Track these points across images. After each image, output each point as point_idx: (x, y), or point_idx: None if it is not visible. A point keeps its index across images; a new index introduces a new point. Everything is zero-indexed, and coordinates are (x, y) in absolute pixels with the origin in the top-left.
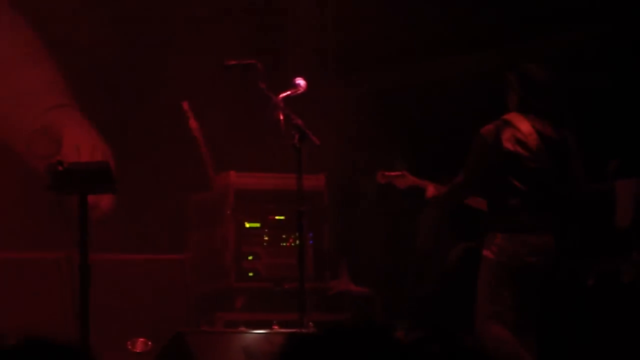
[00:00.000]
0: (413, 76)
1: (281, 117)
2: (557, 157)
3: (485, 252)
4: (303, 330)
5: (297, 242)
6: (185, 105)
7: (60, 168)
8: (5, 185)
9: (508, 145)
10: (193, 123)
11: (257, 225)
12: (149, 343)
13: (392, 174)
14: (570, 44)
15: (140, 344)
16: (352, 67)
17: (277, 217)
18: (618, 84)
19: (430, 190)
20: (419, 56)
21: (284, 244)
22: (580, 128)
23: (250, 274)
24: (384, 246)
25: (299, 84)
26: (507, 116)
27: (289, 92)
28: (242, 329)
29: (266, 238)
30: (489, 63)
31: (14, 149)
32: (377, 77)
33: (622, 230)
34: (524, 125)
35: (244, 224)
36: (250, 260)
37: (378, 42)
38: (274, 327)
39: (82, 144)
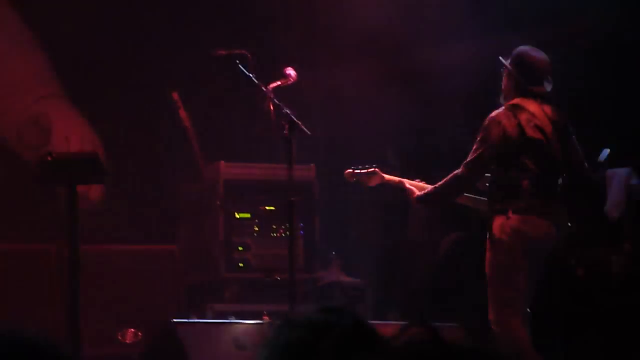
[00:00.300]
0: (405, 66)
1: (271, 108)
2: (563, 143)
3: (499, 235)
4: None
5: (288, 232)
6: (175, 95)
7: (49, 158)
8: None
9: (529, 130)
10: (183, 113)
11: (247, 215)
12: (139, 333)
13: (362, 171)
14: (559, 36)
15: (130, 335)
16: (343, 56)
17: (267, 208)
18: (607, 75)
19: (414, 192)
20: (412, 44)
21: (274, 235)
22: (571, 118)
23: (241, 265)
24: (375, 237)
25: (289, 74)
26: (514, 101)
27: (279, 83)
28: (232, 319)
29: (256, 229)
30: (481, 53)
31: (4, 140)
32: (368, 66)
33: (612, 220)
34: (536, 110)
35: (234, 215)
36: (240, 250)
37: (368, 30)
38: (264, 317)
39: (71, 134)
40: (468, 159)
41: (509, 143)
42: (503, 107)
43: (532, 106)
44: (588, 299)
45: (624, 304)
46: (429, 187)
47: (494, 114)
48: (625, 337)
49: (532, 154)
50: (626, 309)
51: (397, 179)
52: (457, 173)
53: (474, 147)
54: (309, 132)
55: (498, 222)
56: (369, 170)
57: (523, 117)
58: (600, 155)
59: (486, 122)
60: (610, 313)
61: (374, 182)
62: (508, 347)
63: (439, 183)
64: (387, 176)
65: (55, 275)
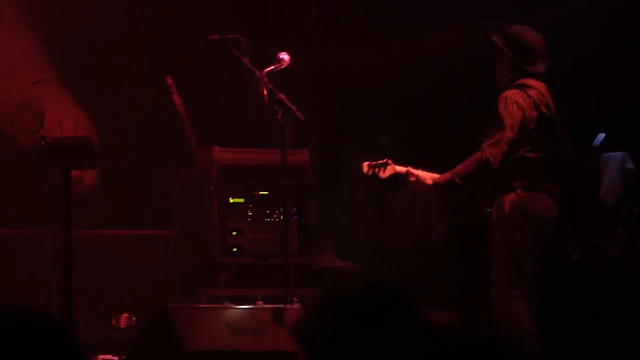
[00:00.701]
0: (398, 51)
1: (265, 92)
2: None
3: (508, 212)
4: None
5: (282, 217)
6: (169, 80)
7: (43, 143)
8: None
9: (543, 108)
10: (177, 98)
11: (241, 200)
12: (133, 318)
13: (377, 162)
14: (553, 17)
15: (124, 320)
16: (337, 41)
17: (261, 193)
18: (602, 58)
19: (426, 178)
20: (405, 30)
21: (268, 220)
22: (566, 101)
23: (235, 250)
24: (369, 221)
25: (282, 59)
26: (521, 81)
27: (272, 67)
28: (226, 304)
29: (250, 213)
30: (472, 37)
31: None
32: (361, 52)
33: (607, 204)
34: (542, 89)
35: (228, 200)
36: (234, 235)
37: (362, 16)
38: (258, 302)
39: (65, 119)
40: (490, 142)
41: (527, 122)
42: (513, 87)
43: (538, 85)
44: (583, 283)
45: (619, 288)
46: (435, 174)
47: (508, 93)
48: (621, 321)
49: (544, 131)
50: (621, 293)
51: (404, 168)
52: (480, 157)
53: (493, 130)
54: (302, 117)
55: (507, 200)
56: (383, 161)
57: (534, 95)
58: (596, 140)
59: (502, 103)
60: (605, 298)
61: (387, 173)
62: (508, 330)
63: (460, 168)
64: (397, 167)
65: (49, 261)
